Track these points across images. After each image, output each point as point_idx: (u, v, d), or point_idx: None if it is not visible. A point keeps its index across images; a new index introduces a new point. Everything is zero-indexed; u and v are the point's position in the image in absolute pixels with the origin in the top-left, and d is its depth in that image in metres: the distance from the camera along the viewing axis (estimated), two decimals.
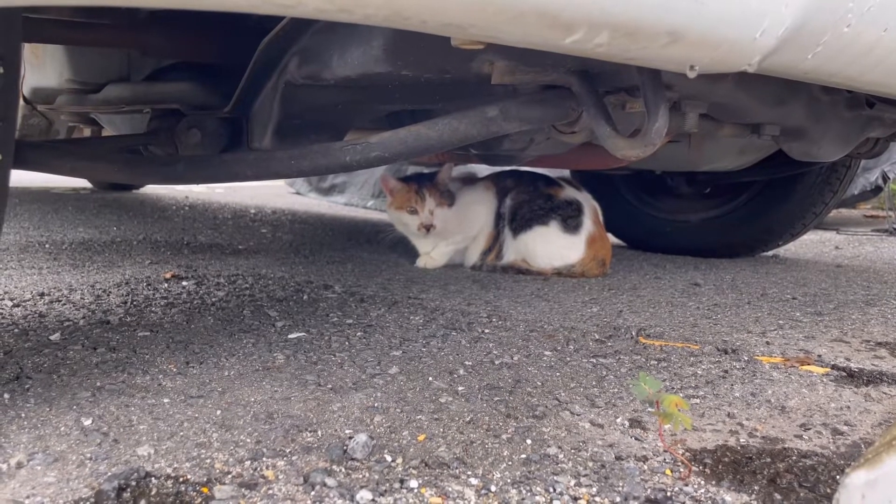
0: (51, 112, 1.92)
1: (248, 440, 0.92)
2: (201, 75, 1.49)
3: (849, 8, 0.79)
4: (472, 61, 1.11)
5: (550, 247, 2.23)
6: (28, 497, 0.76)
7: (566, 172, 2.81)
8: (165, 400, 1.05)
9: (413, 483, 0.82)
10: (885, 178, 4.00)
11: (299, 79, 1.26)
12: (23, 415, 0.97)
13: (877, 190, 4.03)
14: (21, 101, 1.71)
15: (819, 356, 1.40)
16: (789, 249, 3.09)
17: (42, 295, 1.67)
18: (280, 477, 0.83)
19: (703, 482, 0.86)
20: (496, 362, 1.29)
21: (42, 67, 1.68)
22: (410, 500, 0.79)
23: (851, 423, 1.07)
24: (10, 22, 0.88)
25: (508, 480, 0.84)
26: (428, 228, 2.20)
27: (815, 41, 0.80)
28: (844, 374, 1.30)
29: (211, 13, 1.37)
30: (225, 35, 1.45)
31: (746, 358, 1.37)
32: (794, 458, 0.93)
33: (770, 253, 2.92)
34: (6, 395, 1.04)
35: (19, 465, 0.83)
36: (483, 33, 0.63)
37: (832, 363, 1.36)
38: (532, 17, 0.59)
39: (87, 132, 2.61)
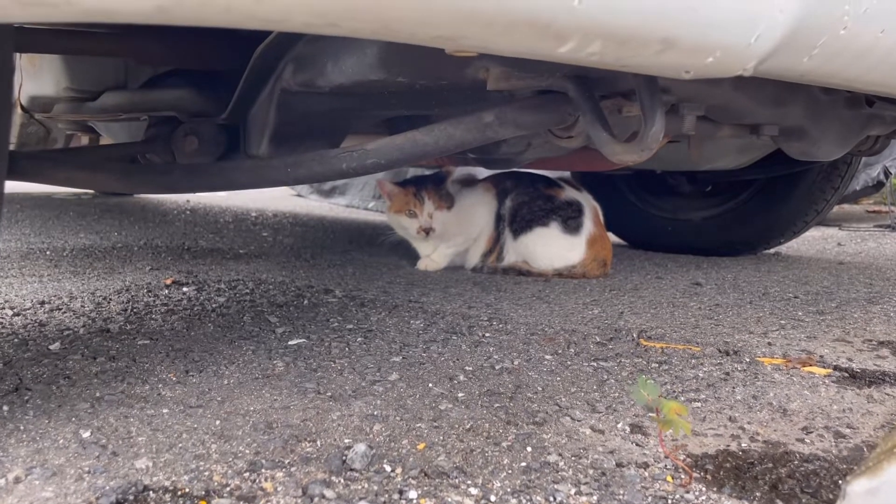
0: (48, 120, 1.92)
1: (247, 451, 0.92)
2: (198, 82, 1.49)
3: (845, 10, 0.78)
4: (467, 68, 1.10)
5: (551, 248, 2.23)
6: None
7: (567, 173, 2.80)
8: (164, 410, 1.05)
9: (412, 494, 0.82)
10: (886, 173, 3.99)
11: (294, 86, 1.26)
12: (21, 427, 0.97)
13: (879, 185, 4.02)
14: (19, 110, 1.71)
15: (821, 357, 1.40)
16: (791, 247, 3.08)
17: (42, 303, 1.67)
18: (279, 489, 0.83)
19: (704, 489, 0.85)
20: (496, 367, 1.29)
21: (39, 76, 1.68)
22: None
23: (854, 425, 1.06)
24: (1, 34, 0.88)
25: (508, 489, 0.84)
26: (427, 232, 2.20)
27: (812, 44, 0.80)
28: (846, 374, 1.29)
29: None
30: (221, 42, 1.44)
31: (748, 359, 1.37)
32: (795, 462, 0.93)
33: (772, 251, 2.91)
34: (5, 408, 1.03)
35: (17, 480, 0.83)
36: (475, 44, 0.62)
37: (834, 364, 1.35)
38: (523, 27, 0.59)
39: (84, 140, 2.61)
